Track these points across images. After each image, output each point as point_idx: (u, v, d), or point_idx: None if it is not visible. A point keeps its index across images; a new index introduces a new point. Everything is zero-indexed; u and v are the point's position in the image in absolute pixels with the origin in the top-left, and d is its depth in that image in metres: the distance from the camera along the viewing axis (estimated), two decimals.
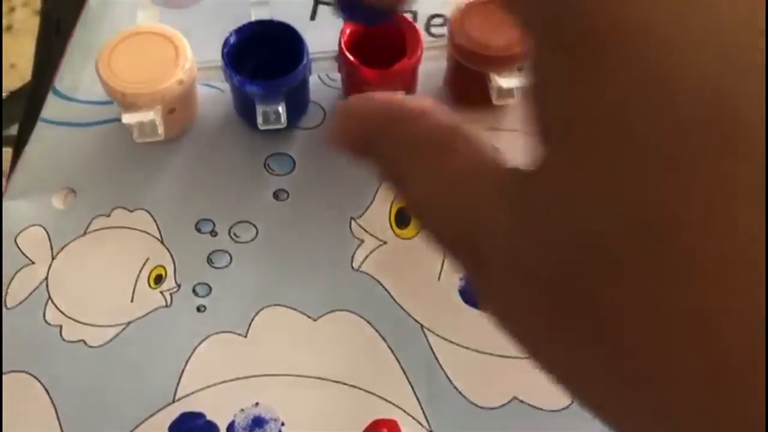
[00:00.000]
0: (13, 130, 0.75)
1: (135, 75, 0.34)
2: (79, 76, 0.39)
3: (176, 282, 0.34)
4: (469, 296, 0.34)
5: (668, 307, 0.11)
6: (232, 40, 0.36)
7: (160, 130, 0.34)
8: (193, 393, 0.32)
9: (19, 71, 1.13)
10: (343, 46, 0.36)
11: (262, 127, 0.35)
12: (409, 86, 0.38)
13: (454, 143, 0.17)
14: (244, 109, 0.37)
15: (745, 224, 0.11)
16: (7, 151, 0.96)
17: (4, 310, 0.33)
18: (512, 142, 0.39)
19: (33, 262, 0.35)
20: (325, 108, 0.39)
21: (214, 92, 0.39)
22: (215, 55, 0.36)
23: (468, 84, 0.38)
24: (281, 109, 0.35)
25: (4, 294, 0.34)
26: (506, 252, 0.14)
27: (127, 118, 0.34)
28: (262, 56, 0.36)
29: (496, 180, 0.15)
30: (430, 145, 0.17)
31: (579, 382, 0.14)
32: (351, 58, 0.35)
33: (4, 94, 1.00)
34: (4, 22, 1.19)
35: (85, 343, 0.33)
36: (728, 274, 0.11)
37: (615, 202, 0.12)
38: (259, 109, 0.35)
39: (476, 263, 0.15)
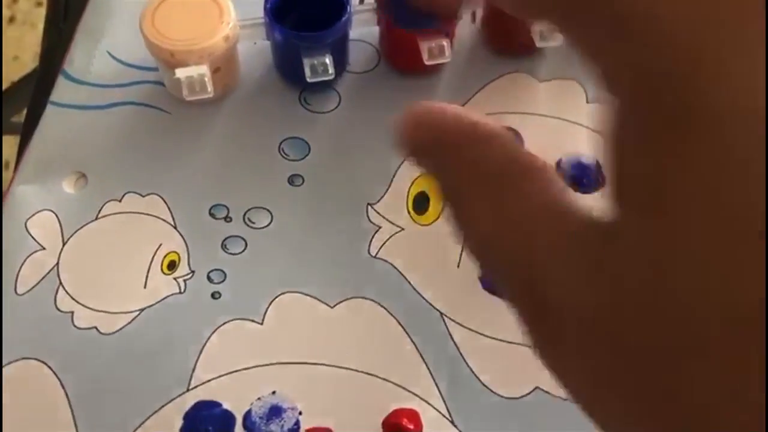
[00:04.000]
0: (20, 117, 0.74)
1: (181, 33, 0.33)
2: (89, 59, 0.38)
3: (190, 268, 0.34)
4: (489, 284, 0.34)
5: (748, 397, 0.11)
6: None
7: (210, 87, 0.34)
8: (208, 381, 0.31)
9: (22, 63, 1.12)
10: None
11: (310, 80, 0.35)
12: (450, 31, 0.37)
13: (524, 177, 0.16)
14: (287, 66, 0.37)
15: None
16: (8, 138, 0.95)
17: (13, 296, 0.33)
18: (552, 92, 0.39)
19: (44, 248, 0.34)
20: (341, 93, 0.38)
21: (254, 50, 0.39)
22: (247, 15, 0.35)
23: (507, 26, 0.38)
24: (328, 60, 0.35)
25: (15, 280, 0.33)
26: (580, 307, 0.14)
27: (180, 73, 0.33)
28: (301, 13, 0.36)
29: (570, 226, 0.14)
30: (498, 176, 0.16)
31: None
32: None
33: (6, 84, 0.99)
34: (7, 13, 1.18)
35: (98, 330, 0.32)
36: None
37: (709, 280, 0.12)
38: (307, 62, 0.35)
39: (539, 312, 0.15)
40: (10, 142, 0.97)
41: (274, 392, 0.31)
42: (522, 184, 0.16)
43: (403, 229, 0.35)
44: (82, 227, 0.34)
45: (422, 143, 0.18)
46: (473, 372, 0.32)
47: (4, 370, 0.31)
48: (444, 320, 0.33)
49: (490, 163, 0.16)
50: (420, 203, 0.35)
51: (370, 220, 0.35)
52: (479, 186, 0.16)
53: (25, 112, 0.43)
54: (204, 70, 0.34)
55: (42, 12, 1.19)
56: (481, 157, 0.16)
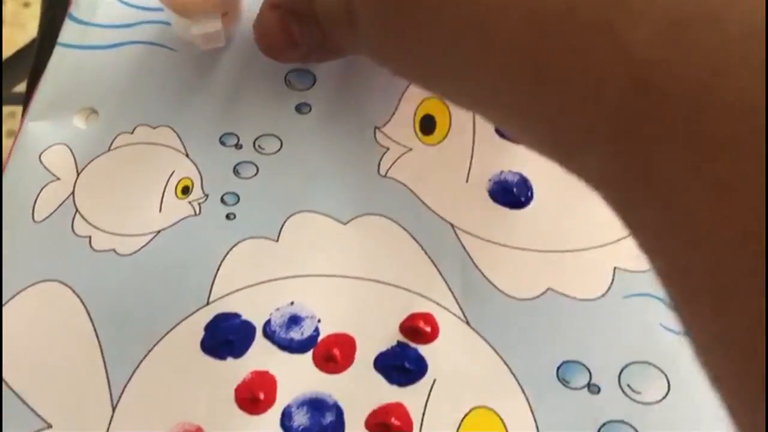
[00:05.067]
0: (20, 87, 0.75)
1: None
2: (95, 2, 0.39)
3: (203, 192, 0.34)
4: (498, 196, 0.34)
5: None
6: None
7: (224, 40, 0.35)
8: (227, 295, 0.32)
9: None
10: None
11: None
12: None
13: None
14: None
15: None
16: (9, 109, 0.95)
17: (31, 223, 0.33)
18: None
19: (58, 178, 0.34)
20: None
21: None
22: None
23: None
24: None
25: (32, 208, 0.33)
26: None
27: (197, 29, 0.34)
28: None
29: None
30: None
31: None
32: None
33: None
34: None
35: (116, 251, 0.33)
36: None
37: None
38: None
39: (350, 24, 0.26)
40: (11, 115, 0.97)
41: (292, 303, 0.32)
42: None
43: (411, 149, 0.36)
44: (95, 158, 0.35)
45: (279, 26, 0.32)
46: (485, 276, 0.33)
47: (24, 292, 0.32)
48: (455, 230, 0.34)
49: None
50: (427, 125, 0.36)
51: (378, 142, 0.36)
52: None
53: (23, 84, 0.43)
54: (219, 25, 0.35)
55: (29, 12, 1.19)
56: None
